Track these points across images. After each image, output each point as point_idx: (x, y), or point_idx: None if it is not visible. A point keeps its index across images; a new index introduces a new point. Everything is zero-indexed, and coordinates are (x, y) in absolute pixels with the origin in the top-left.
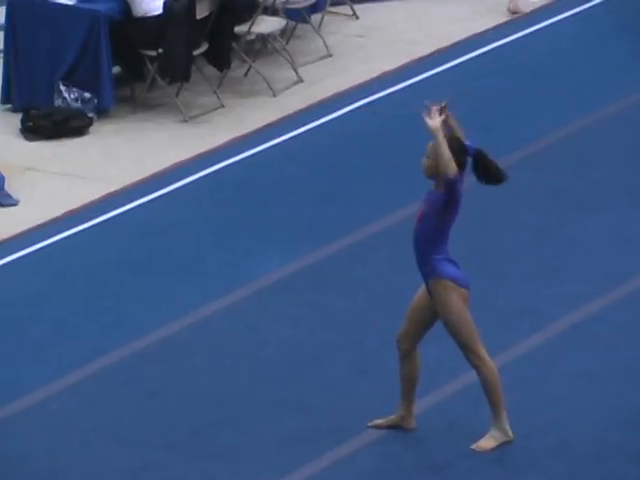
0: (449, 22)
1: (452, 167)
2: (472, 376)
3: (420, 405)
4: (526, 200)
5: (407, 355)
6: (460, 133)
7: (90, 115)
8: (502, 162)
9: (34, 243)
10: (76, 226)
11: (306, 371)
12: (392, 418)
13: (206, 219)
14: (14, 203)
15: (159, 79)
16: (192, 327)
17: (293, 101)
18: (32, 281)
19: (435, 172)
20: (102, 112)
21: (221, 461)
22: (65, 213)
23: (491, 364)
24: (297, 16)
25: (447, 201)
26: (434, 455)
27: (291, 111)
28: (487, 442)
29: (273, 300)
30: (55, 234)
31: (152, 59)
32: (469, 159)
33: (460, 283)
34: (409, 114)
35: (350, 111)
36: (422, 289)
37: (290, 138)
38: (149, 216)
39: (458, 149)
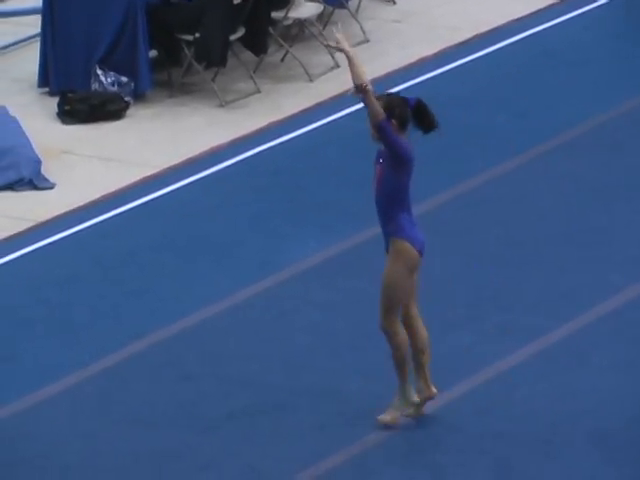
0: (487, 7)
1: (380, 112)
2: (505, 362)
3: (453, 391)
4: (561, 188)
5: (405, 323)
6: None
7: (127, 99)
8: (538, 149)
9: (71, 226)
10: (112, 210)
11: (341, 356)
12: (412, 401)
13: (242, 204)
14: (51, 186)
15: (196, 64)
16: (228, 311)
17: (330, 86)
18: (68, 264)
19: (375, 135)
20: (139, 96)
21: (255, 445)
22: (101, 197)
23: (401, 338)
24: (334, 1)
25: (393, 152)
26: (467, 440)
27: (328, 96)
28: (389, 413)
29: (309, 285)
30: (91, 218)
31: (189, 43)
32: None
33: (416, 246)
34: (446, 100)
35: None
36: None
37: (326, 123)
38: (185, 200)
39: (400, 103)
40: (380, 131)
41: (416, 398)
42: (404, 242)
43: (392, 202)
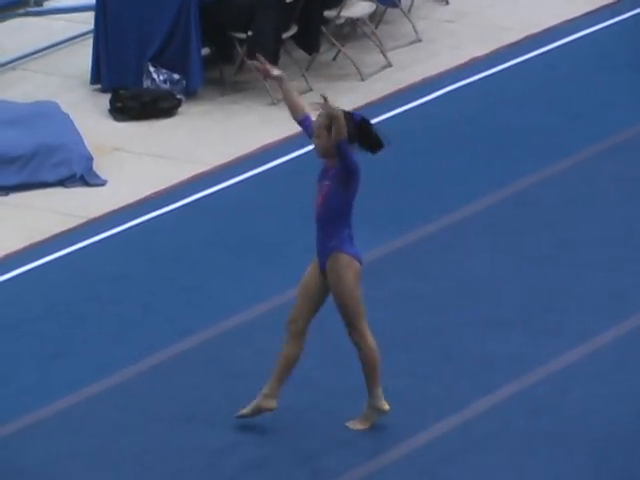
0: (540, 8)
1: (345, 130)
2: (556, 362)
3: (503, 392)
4: (613, 190)
5: (296, 336)
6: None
7: (179, 96)
8: (590, 150)
9: (122, 223)
10: (163, 207)
11: (392, 355)
12: (255, 403)
13: (293, 202)
14: (102, 183)
15: (248, 61)
16: (278, 309)
17: (381, 85)
18: (119, 261)
19: (326, 153)
20: (191, 94)
21: (306, 443)
22: (152, 194)
23: (372, 343)
24: (387, 0)
25: (347, 170)
26: (517, 441)
27: (379, 95)
28: (361, 422)
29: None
30: (142, 214)
31: (241, 41)
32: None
33: (358, 259)
34: (498, 100)
35: (439, 97)
36: (312, 268)
37: (377, 123)
38: (236, 198)
39: (346, 118)
40: (341, 149)
41: (385, 406)
42: (349, 256)
43: (337, 219)
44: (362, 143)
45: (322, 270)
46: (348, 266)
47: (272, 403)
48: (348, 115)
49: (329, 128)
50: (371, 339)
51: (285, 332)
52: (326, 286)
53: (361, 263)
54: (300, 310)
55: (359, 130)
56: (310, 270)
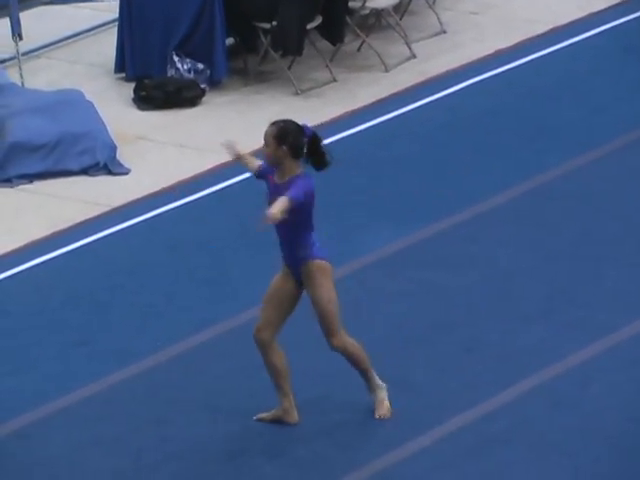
0: (565, 1)
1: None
2: (577, 357)
3: (525, 385)
4: (636, 184)
5: (267, 346)
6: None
7: (203, 86)
8: (614, 144)
9: (145, 212)
10: (187, 196)
11: (413, 348)
12: (275, 412)
13: (319, 191)
14: (126, 172)
15: (272, 52)
16: (301, 300)
17: (405, 77)
18: (142, 250)
19: (275, 161)
20: (215, 83)
21: (324, 435)
22: (176, 183)
23: (354, 343)
24: None
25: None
26: (538, 435)
27: (403, 87)
28: (382, 407)
29: (382, 276)
30: (166, 204)
31: (266, 32)
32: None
33: (329, 262)
34: (522, 93)
35: (463, 88)
36: (281, 277)
37: (402, 114)
38: (259, 189)
39: (295, 130)
40: (295, 205)
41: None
42: (321, 261)
43: (299, 228)
44: (309, 158)
45: (297, 280)
46: (323, 271)
47: (293, 416)
48: (298, 128)
49: (278, 138)
50: (351, 340)
51: (255, 345)
52: (297, 295)
53: (331, 264)
54: (268, 319)
55: (309, 145)
56: (278, 279)
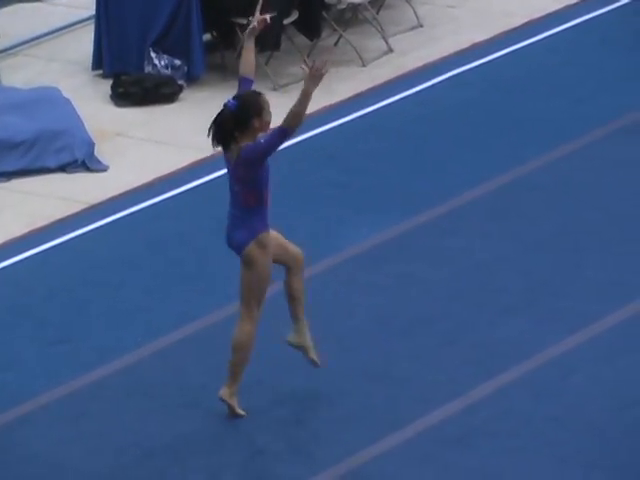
0: None
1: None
2: (558, 347)
3: (506, 376)
4: (616, 174)
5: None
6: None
7: (180, 82)
8: (592, 135)
9: (123, 209)
10: (165, 192)
11: (394, 341)
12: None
13: (295, 187)
14: (104, 169)
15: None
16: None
17: (383, 71)
18: (121, 246)
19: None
20: (192, 79)
21: (306, 429)
22: (154, 179)
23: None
24: None
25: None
26: (520, 425)
27: (381, 81)
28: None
29: (361, 270)
30: (145, 200)
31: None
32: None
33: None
34: (500, 85)
35: (440, 82)
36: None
37: (379, 108)
38: None
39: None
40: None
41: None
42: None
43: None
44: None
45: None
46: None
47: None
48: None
49: None
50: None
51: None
52: None
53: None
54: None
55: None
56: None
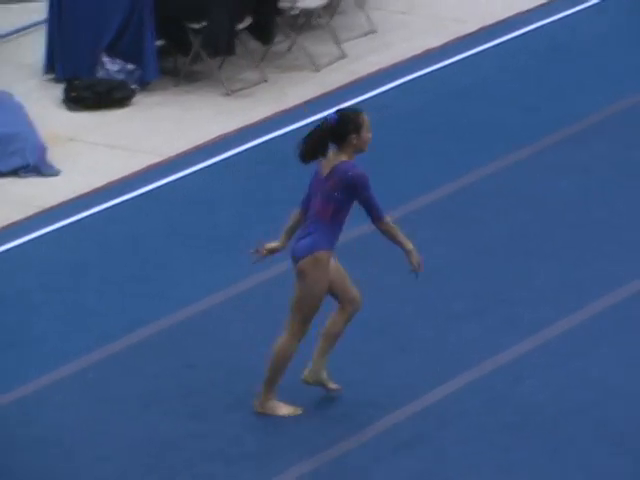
0: (494, 0)
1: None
2: (509, 353)
3: (458, 382)
4: (568, 180)
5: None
6: None
7: (133, 87)
8: (544, 141)
9: (76, 213)
10: (118, 197)
11: (346, 347)
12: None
13: (248, 192)
14: (55, 173)
15: (202, 52)
16: (232, 300)
17: (336, 77)
18: (74, 251)
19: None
20: (145, 84)
21: (258, 433)
22: (107, 184)
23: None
24: None
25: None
26: (471, 431)
27: (333, 87)
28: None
29: None
30: (97, 204)
31: (196, 32)
32: None
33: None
34: (451, 92)
35: (393, 88)
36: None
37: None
38: (191, 188)
39: None
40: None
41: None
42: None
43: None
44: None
45: None
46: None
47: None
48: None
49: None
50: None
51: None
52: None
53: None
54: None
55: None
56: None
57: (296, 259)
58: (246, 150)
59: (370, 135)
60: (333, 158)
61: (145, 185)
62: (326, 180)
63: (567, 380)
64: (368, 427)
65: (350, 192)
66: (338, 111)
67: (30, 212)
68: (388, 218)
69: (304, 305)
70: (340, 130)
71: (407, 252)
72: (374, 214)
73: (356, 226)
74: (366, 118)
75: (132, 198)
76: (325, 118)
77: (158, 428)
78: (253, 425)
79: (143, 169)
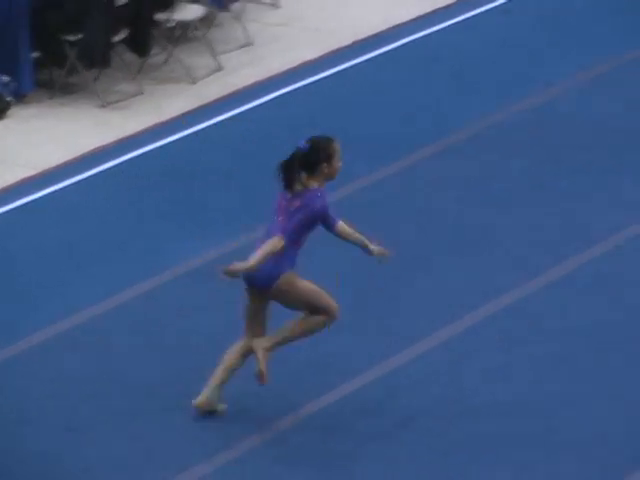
0: (371, 12)
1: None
2: (384, 365)
3: (332, 394)
4: (444, 191)
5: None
6: None
7: (8, 99)
8: (422, 153)
9: None
10: None
11: (213, 359)
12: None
13: (126, 205)
14: None
15: (78, 64)
16: (110, 313)
17: (212, 89)
18: None
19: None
20: (20, 96)
21: (135, 447)
22: None
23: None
24: (218, 4)
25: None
26: (350, 442)
27: (210, 99)
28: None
29: (192, 287)
30: None
31: (72, 44)
32: None
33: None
34: (329, 104)
35: (270, 100)
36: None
37: (209, 126)
38: (67, 201)
39: None
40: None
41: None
42: None
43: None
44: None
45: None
46: None
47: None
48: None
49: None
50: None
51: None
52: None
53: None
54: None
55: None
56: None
57: (263, 288)
58: (122, 163)
59: (340, 164)
60: (305, 181)
61: (21, 198)
62: (293, 198)
63: (443, 391)
64: (244, 442)
65: (312, 221)
66: (310, 139)
67: None
68: (340, 222)
69: (313, 297)
70: (311, 158)
71: (364, 247)
72: (329, 223)
73: (229, 241)
74: (337, 146)
75: (7, 212)
76: (297, 147)
77: (33, 441)
78: (128, 436)
79: (18, 182)
